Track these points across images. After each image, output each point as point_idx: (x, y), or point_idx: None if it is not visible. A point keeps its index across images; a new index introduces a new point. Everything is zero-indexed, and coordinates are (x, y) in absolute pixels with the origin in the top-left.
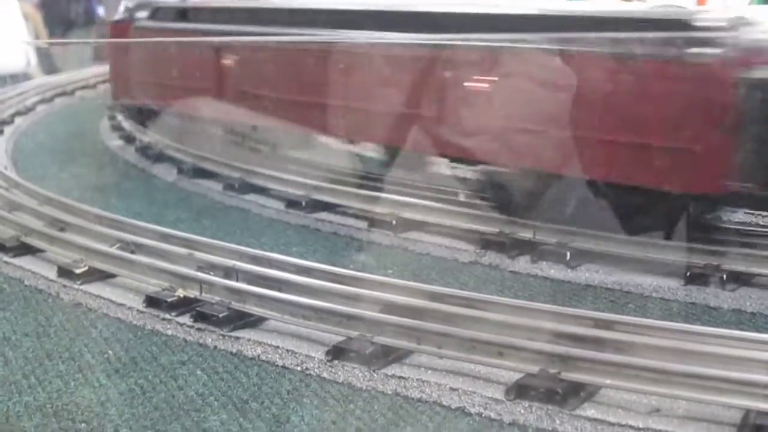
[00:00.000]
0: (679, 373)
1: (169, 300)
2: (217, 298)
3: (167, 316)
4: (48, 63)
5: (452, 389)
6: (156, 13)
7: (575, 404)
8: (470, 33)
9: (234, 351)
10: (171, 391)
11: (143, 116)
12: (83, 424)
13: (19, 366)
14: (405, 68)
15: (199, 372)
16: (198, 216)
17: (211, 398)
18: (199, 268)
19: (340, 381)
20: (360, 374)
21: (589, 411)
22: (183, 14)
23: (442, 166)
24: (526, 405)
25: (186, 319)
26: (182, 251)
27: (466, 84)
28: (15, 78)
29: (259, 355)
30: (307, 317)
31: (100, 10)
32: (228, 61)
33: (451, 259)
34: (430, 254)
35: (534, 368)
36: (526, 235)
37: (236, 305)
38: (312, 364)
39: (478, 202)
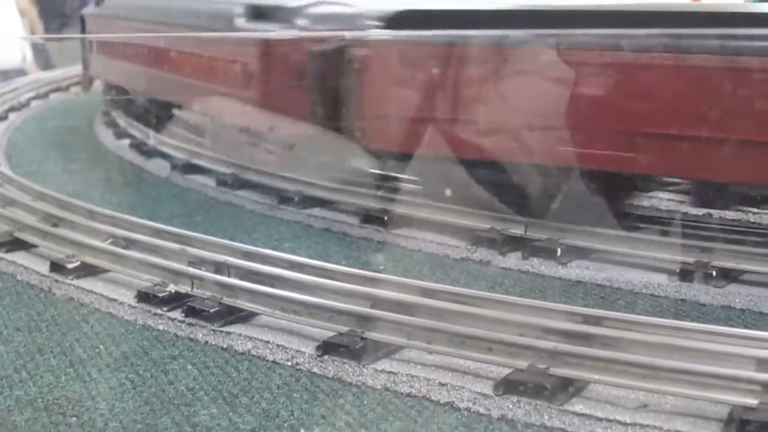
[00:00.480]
0: (668, 369)
1: (160, 295)
2: (209, 294)
3: (159, 311)
4: (43, 59)
5: (441, 384)
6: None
7: (563, 399)
8: None
9: (225, 346)
10: (161, 386)
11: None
12: (74, 419)
13: (10, 360)
14: None
15: (189, 367)
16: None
17: (201, 393)
18: (191, 264)
19: (330, 376)
20: (350, 369)
21: (578, 406)
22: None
23: None
24: (515, 400)
25: (177, 314)
26: (174, 246)
27: None
28: (7, 74)
29: (249, 350)
30: (298, 312)
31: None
32: None
33: (443, 255)
34: (422, 250)
35: (523, 363)
36: (518, 231)
37: (227, 300)
38: (302, 359)
39: None
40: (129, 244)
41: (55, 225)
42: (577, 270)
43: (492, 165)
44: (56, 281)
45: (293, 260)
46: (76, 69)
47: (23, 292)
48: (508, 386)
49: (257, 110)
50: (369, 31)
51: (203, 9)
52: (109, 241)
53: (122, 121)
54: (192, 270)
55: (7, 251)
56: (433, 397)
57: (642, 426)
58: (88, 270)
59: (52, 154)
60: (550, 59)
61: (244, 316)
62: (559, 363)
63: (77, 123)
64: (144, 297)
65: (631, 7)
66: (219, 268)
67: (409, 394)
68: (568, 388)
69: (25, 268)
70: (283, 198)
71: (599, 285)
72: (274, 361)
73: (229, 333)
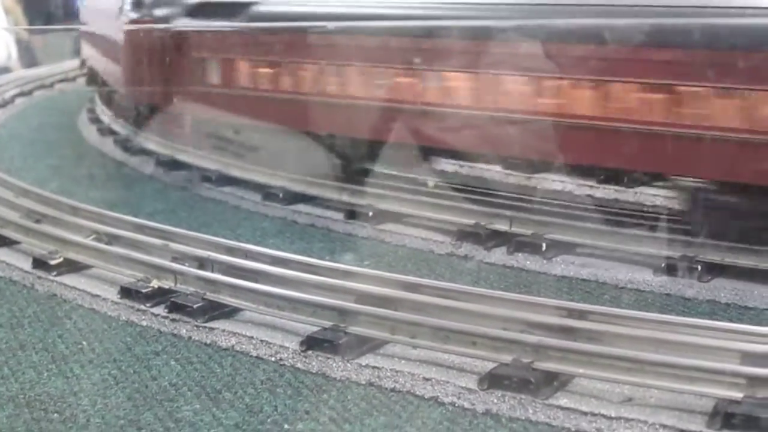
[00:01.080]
0: (652, 363)
1: (143, 291)
2: (192, 289)
3: (142, 306)
4: (28, 56)
5: (426, 379)
6: None
7: (548, 393)
8: None
9: (208, 341)
10: (144, 382)
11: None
12: (56, 415)
13: None
14: None
15: (173, 362)
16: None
17: (184, 388)
18: (174, 259)
19: (314, 371)
20: (334, 364)
21: (562, 400)
22: None
23: None
24: (500, 394)
25: (161, 309)
26: (157, 242)
27: None
28: None
29: (233, 346)
30: (282, 308)
31: (80, 3)
32: None
33: (427, 250)
34: (407, 246)
35: (507, 358)
36: (502, 226)
37: (211, 296)
38: (286, 355)
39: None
40: (112, 240)
41: (38, 221)
42: (562, 265)
43: None
44: (39, 277)
45: (276, 255)
46: (60, 66)
47: (5, 289)
48: (492, 381)
49: None
50: None
51: None
52: (92, 237)
53: (106, 117)
54: (175, 266)
55: None
56: (417, 392)
57: (627, 420)
58: (71, 266)
59: (36, 150)
60: None
61: (227, 312)
62: (543, 357)
63: (61, 120)
64: (127, 293)
65: None
66: (202, 263)
67: (393, 389)
68: (552, 382)
69: (8, 264)
70: (268, 194)
71: (584, 280)
72: (257, 357)
73: (212, 329)
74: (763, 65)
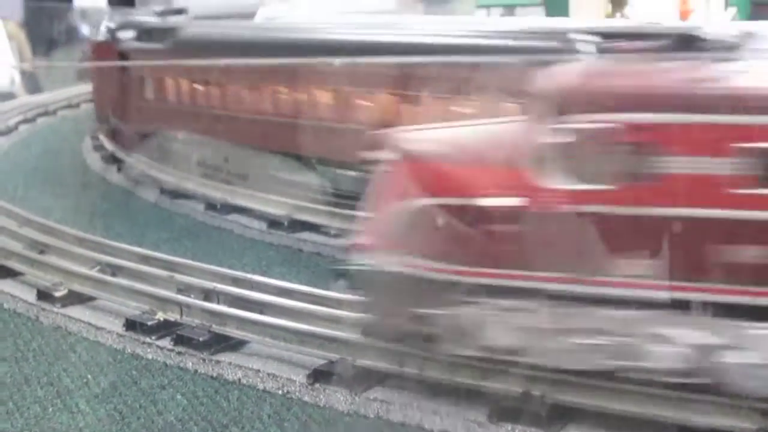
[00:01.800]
0: None
1: (149, 323)
2: (198, 321)
3: (147, 339)
4: (32, 83)
5: (434, 413)
6: None
7: (557, 428)
8: None
9: (214, 375)
10: (150, 416)
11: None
12: None
13: None
14: None
15: (179, 396)
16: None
17: (190, 423)
18: (180, 291)
19: (321, 405)
20: (342, 398)
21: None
22: None
23: None
24: (509, 428)
25: (166, 342)
26: (163, 273)
27: None
28: None
29: (239, 379)
30: (288, 340)
31: (84, 29)
32: None
33: None
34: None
35: (517, 390)
36: None
37: (217, 328)
38: (293, 388)
39: None
40: (117, 271)
41: (42, 252)
42: None
43: None
44: (43, 309)
45: (283, 287)
46: (64, 93)
47: (10, 321)
48: (501, 413)
49: None
50: None
51: None
52: (96, 268)
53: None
54: (181, 297)
55: None
56: (426, 426)
57: None
58: (75, 298)
59: (40, 178)
60: None
61: (233, 344)
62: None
63: (65, 146)
64: (132, 325)
65: None
66: (208, 295)
67: (402, 423)
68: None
69: (12, 296)
70: (273, 222)
71: None
72: (264, 390)
73: (218, 361)
74: None
